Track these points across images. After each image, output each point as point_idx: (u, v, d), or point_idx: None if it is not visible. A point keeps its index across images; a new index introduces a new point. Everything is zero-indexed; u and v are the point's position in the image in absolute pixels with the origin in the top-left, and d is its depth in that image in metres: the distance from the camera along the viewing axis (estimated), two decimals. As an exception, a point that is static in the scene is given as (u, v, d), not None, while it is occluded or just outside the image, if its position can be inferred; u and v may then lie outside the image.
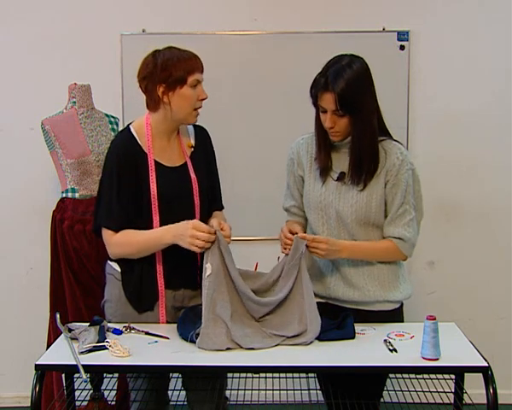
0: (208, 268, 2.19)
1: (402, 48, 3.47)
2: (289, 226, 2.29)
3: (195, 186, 2.37)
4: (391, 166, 2.25)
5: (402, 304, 2.39)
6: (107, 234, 2.33)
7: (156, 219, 2.31)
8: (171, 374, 2.32)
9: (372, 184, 2.25)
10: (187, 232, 2.17)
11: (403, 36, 3.47)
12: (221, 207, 2.54)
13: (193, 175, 2.38)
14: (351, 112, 2.18)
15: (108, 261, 2.44)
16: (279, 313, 2.23)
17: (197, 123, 2.45)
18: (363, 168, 2.24)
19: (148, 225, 2.31)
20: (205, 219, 2.39)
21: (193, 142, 2.44)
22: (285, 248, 2.24)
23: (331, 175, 2.31)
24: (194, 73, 2.27)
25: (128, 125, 2.41)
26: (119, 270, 2.39)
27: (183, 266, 2.36)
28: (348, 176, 2.28)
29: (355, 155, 2.24)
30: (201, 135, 2.48)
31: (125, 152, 2.33)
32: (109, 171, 2.33)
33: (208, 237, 2.17)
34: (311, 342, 2.13)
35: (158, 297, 2.35)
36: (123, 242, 2.31)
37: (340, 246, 2.23)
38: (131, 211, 2.31)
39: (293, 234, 2.23)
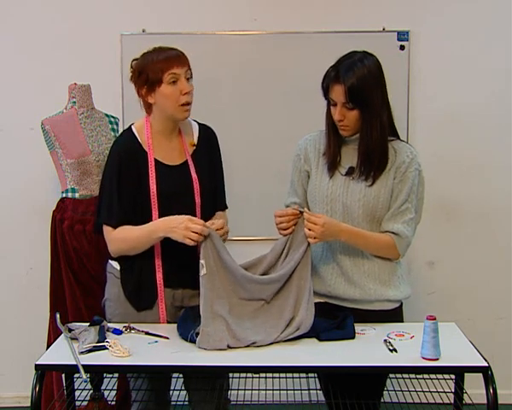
0: (203, 266, 2.20)
1: (402, 48, 3.47)
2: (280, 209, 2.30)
3: (196, 185, 2.38)
4: (400, 164, 2.26)
5: (401, 304, 2.39)
6: (106, 231, 2.35)
7: (155, 216, 2.32)
8: (172, 374, 2.33)
9: (381, 180, 2.26)
10: (181, 225, 2.19)
11: (403, 36, 3.47)
12: (224, 207, 2.55)
13: (194, 174, 2.39)
14: (360, 105, 2.20)
15: (109, 260, 2.45)
16: (279, 295, 2.24)
17: (199, 122, 2.48)
18: (372, 163, 2.25)
19: (147, 222, 2.32)
20: (207, 219, 2.40)
21: (195, 140, 2.45)
22: (284, 229, 2.24)
23: (339, 170, 2.32)
24: (169, 69, 2.27)
25: (130, 125, 2.44)
26: (119, 268, 2.40)
27: (183, 265, 2.37)
28: (357, 171, 2.28)
29: (363, 150, 2.25)
30: (205, 134, 2.49)
31: (125, 150, 2.36)
32: (110, 169, 2.36)
33: (201, 229, 2.18)
34: (305, 336, 2.14)
35: (157, 296, 2.36)
36: (119, 238, 2.33)
37: (339, 229, 2.22)
38: (131, 208, 2.33)
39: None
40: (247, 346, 2.10)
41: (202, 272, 2.21)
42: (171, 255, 2.34)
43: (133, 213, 2.33)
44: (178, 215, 2.24)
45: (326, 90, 2.26)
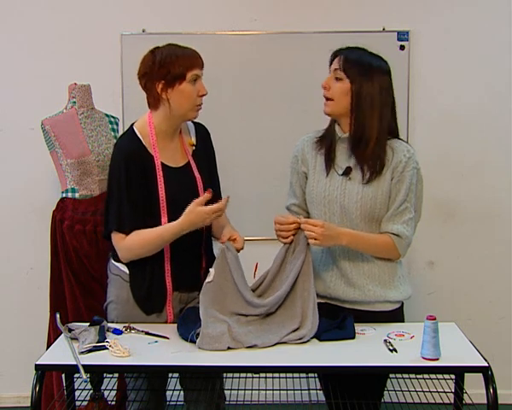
0: (211, 274, 2.23)
1: (402, 48, 3.47)
2: (280, 215, 2.28)
3: (200, 185, 2.37)
4: (397, 163, 2.25)
5: (402, 304, 2.38)
6: (117, 238, 2.30)
7: (164, 220, 2.31)
8: (170, 374, 2.32)
9: (378, 181, 2.25)
10: (206, 220, 2.23)
11: (403, 36, 3.47)
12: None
13: (197, 174, 2.39)
14: (351, 75, 2.20)
15: (113, 261, 2.42)
16: (283, 307, 2.23)
17: (192, 121, 2.46)
18: (365, 158, 2.24)
19: (156, 226, 2.29)
20: None
21: (194, 140, 2.44)
22: (283, 237, 2.24)
23: (336, 170, 2.31)
24: (193, 69, 2.27)
25: (131, 126, 2.39)
26: (127, 271, 2.37)
27: (190, 268, 2.37)
28: (337, 164, 2.27)
29: (355, 127, 2.23)
30: (201, 132, 2.48)
31: (131, 156, 2.30)
32: (117, 175, 2.30)
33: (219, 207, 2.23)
34: (309, 341, 2.13)
35: (166, 299, 2.36)
36: (135, 245, 2.29)
37: (338, 231, 2.21)
38: (141, 215, 2.30)
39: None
40: (248, 347, 2.10)
41: (208, 279, 2.23)
42: (179, 259, 2.33)
43: (143, 220, 2.30)
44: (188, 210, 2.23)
45: (330, 62, 2.28)
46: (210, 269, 2.24)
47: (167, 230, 2.27)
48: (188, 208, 2.22)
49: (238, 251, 2.30)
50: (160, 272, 2.34)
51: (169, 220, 2.29)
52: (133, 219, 2.28)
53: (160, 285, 2.35)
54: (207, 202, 2.25)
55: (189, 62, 2.27)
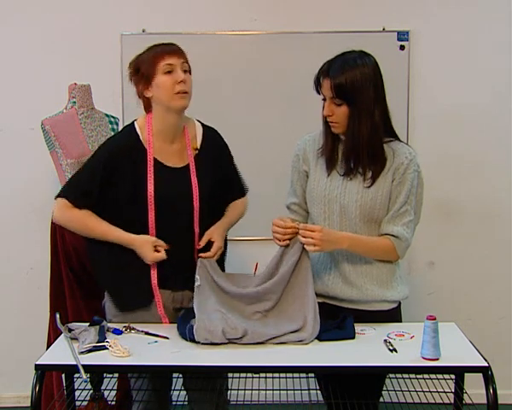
0: (197, 280, 2.28)
1: (402, 48, 3.48)
2: (280, 218, 2.28)
3: (196, 190, 2.36)
4: (399, 165, 2.25)
5: (400, 304, 2.38)
6: (66, 204, 2.33)
7: (152, 215, 2.31)
8: (172, 374, 2.33)
9: (379, 182, 2.25)
10: (147, 258, 2.29)
11: (403, 36, 3.47)
12: (242, 194, 2.60)
13: (194, 178, 2.38)
14: (347, 101, 2.19)
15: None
16: (282, 310, 2.23)
17: (203, 124, 2.47)
18: (360, 161, 2.23)
19: (143, 221, 2.32)
20: (204, 222, 2.40)
21: (199, 144, 2.44)
22: (279, 240, 2.24)
23: (337, 170, 2.31)
24: (162, 60, 2.27)
25: (133, 121, 2.42)
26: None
27: (180, 267, 2.36)
28: (339, 165, 2.27)
29: (350, 146, 2.23)
30: (210, 138, 2.47)
31: (123, 144, 2.34)
32: (98, 156, 2.35)
33: (161, 257, 2.29)
34: (310, 342, 2.13)
35: (153, 297, 2.35)
36: (79, 222, 2.34)
37: (338, 236, 2.21)
38: (100, 203, 2.32)
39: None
40: (244, 340, 2.09)
41: (196, 283, 2.27)
42: (168, 257, 2.32)
43: (127, 211, 2.32)
44: (144, 239, 2.29)
45: (317, 85, 2.26)
46: (196, 276, 2.28)
47: (113, 233, 2.32)
48: (146, 238, 2.29)
49: (213, 256, 2.35)
50: (141, 269, 2.34)
51: (156, 216, 2.31)
52: (89, 201, 2.31)
53: (138, 283, 2.35)
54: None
55: (158, 55, 2.28)
